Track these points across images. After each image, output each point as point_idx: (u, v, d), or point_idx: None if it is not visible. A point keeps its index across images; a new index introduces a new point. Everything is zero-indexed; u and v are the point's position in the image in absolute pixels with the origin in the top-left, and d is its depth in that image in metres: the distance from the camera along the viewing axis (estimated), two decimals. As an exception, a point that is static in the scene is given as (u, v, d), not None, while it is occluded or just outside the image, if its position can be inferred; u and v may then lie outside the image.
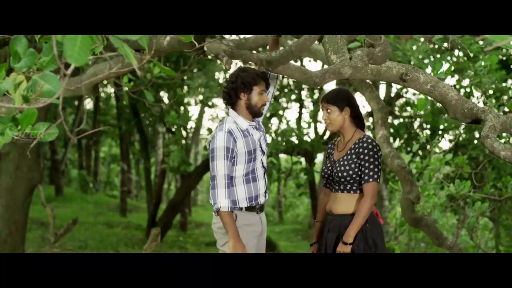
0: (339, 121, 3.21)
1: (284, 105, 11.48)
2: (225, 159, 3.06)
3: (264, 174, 3.28)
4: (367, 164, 3.12)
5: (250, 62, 2.49)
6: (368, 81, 4.23)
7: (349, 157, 3.19)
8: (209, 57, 2.69)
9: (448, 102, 2.60)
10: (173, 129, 10.71)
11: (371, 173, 3.12)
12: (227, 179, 3.07)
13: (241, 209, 3.17)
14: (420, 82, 2.62)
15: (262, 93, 3.20)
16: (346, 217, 3.17)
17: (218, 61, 8.54)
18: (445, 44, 3.65)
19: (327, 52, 2.66)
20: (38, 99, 1.53)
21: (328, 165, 3.32)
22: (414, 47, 5.89)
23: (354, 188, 3.19)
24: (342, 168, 3.18)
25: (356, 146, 3.17)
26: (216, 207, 3.05)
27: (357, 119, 3.26)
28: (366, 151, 3.13)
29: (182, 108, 10.80)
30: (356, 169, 3.15)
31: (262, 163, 3.26)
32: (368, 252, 3.11)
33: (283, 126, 10.62)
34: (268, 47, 3.25)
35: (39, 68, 1.57)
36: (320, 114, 10.42)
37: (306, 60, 10.73)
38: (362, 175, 3.13)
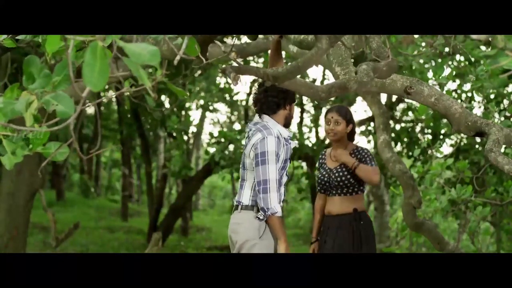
0: (343, 134, 3.68)
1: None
2: (276, 164, 3.09)
3: (286, 183, 3.36)
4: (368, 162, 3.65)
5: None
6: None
7: (344, 164, 3.64)
8: (209, 60, 2.69)
9: (452, 115, 2.63)
10: (174, 134, 10.71)
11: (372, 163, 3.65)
12: (277, 183, 3.10)
13: None
14: (424, 95, 2.67)
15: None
16: (344, 215, 3.63)
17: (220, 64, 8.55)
18: (447, 49, 3.65)
19: (332, 64, 2.77)
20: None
21: (324, 173, 3.75)
22: (416, 52, 5.89)
23: (350, 191, 3.66)
24: (340, 174, 3.64)
25: (352, 155, 3.66)
26: (272, 212, 3.05)
27: (351, 135, 3.76)
28: (365, 155, 3.66)
29: (183, 112, 10.81)
30: (351, 175, 3.62)
31: (287, 172, 3.33)
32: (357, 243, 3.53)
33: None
34: (270, 50, 3.25)
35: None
36: (322, 118, 10.40)
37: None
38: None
